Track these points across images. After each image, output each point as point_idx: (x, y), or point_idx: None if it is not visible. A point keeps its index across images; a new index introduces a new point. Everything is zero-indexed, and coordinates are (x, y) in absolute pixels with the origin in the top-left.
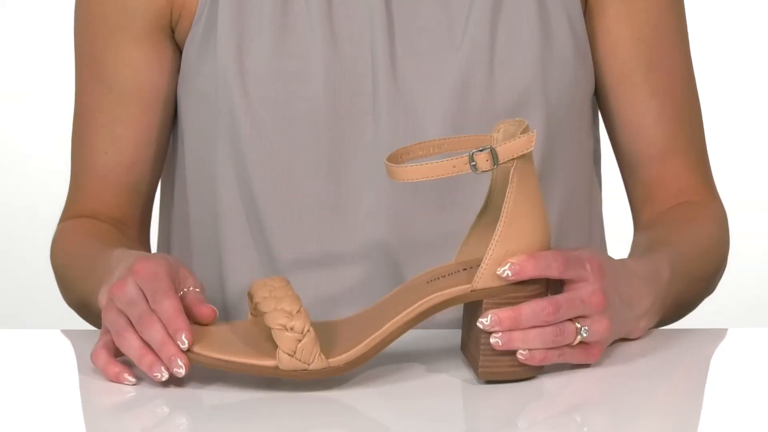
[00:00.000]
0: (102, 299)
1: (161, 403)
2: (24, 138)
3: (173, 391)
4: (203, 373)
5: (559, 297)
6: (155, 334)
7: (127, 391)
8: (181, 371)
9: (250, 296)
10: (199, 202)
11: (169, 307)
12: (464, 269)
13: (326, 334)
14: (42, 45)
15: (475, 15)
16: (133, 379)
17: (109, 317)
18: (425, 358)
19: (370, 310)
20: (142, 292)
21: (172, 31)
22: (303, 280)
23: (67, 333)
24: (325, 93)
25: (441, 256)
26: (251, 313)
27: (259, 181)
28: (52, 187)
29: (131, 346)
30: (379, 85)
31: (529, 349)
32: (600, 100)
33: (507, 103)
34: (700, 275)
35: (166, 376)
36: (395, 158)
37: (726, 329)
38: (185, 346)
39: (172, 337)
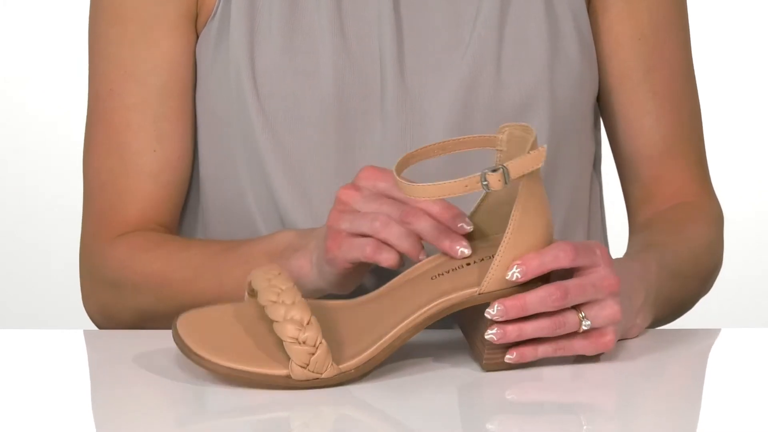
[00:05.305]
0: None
1: (168, 405)
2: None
3: (178, 392)
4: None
5: (568, 281)
6: (425, 223)
7: (138, 394)
8: (467, 251)
9: (250, 286)
10: (223, 203)
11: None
12: (467, 264)
13: (331, 332)
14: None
15: (483, 14)
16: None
17: (356, 218)
18: (425, 352)
19: (373, 301)
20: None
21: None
22: None
23: (77, 333)
24: (333, 91)
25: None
26: (248, 294)
27: (278, 185)
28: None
29: (402, 233)
30: (386, 84)
31: (516, 353)
32: (602, 100)
33: (514, 101)
34: (692, 274)
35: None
36: (404, 164)
37: (719, 329)
38: (471, 227)
39: (449, 225)
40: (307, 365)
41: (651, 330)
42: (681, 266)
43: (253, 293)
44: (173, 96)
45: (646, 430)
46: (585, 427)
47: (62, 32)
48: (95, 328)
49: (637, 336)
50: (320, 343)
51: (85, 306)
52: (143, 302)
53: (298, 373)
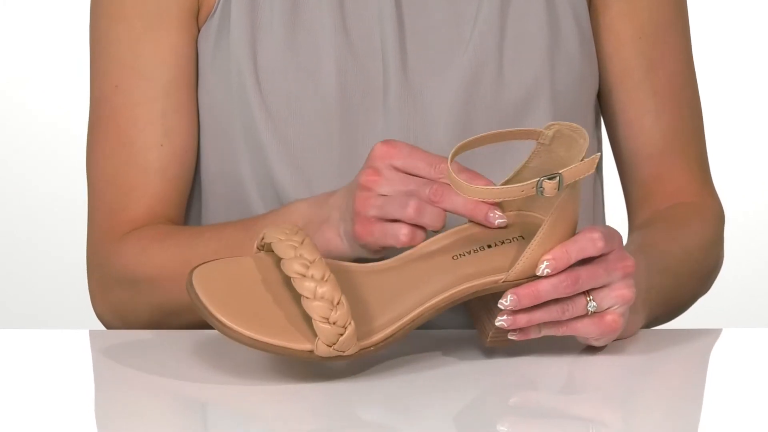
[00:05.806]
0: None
1: (172, 407)
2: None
3: (182, 394)
4: (208, 360)
5: (580, 268)
6: (457, 198)
7: (142, 396)
8: (504, 220)
9: (263, 242)
10: (226, 199)
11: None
12: (488, 246)
13: (351, 301)
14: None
15: (484, 11)
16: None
17: (385, 203)
18: (425, 354)
19: (391, 270)
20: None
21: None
22: None
23: (83, 333)
24: (336, 88)
25: None
26: (258, 248)
27: (281, 180)
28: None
29: (435, 215)
30: (389, 81)
31: (521, 332)
32: (602, 99)
33: (515, 99)
34: (687, 274)
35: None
36: (458, 151)
37: (720, 329)
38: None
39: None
40: (334, 345)
41: (651, 330)
42: (674, 266)
43: (263, 248)
44: (180, 89)
45: (647, 431)
46: (589, 429)
47: (62, 32)
48: (99, 327)
49: (633, 334)
50: (350, 324)
51: (94, 307)
52: (161, 296)
53: (323, 350)
